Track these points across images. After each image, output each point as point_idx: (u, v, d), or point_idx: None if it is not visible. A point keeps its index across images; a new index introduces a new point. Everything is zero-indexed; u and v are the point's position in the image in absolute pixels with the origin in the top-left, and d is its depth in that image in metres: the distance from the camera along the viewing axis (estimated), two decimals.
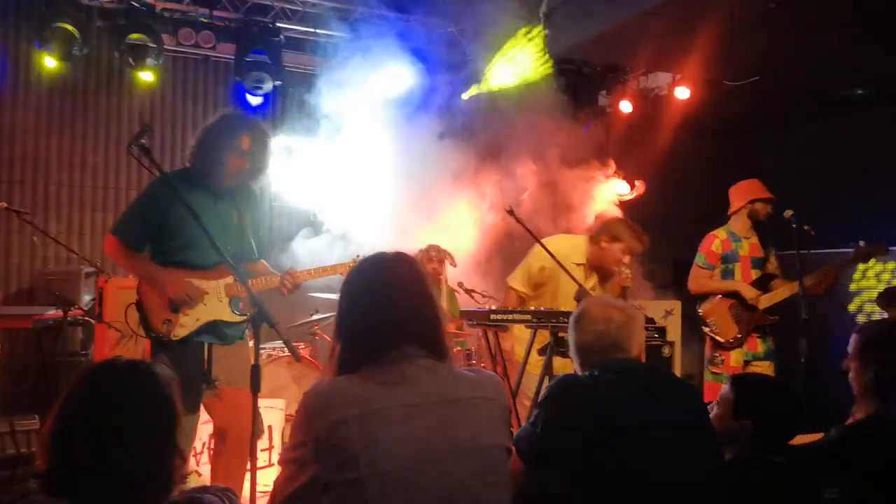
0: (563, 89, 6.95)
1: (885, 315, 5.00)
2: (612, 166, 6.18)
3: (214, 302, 3.30)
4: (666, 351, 3.84)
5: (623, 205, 6.21)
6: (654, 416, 2.11)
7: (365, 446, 1.65)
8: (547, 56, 6.21)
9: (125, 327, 3.46)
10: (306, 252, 6.09)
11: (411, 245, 5.36)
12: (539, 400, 2.27)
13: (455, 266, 5.42)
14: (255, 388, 2.52)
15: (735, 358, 4.68)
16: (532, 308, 3.94)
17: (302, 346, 5.56)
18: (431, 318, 1.87)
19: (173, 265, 3.27)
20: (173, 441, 1.64)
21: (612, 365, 2.24)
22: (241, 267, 3.39)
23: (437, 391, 1.77)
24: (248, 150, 3.32)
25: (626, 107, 7.58)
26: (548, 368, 3.68)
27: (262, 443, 4.55)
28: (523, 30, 6.28)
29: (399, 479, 1.66)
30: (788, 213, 4.53)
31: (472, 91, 6.95)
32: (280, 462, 1.83)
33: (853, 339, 2.65)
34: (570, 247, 4.33)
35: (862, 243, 4.57)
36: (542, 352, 3.80)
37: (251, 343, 3.12)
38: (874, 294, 5.70)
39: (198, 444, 4.35)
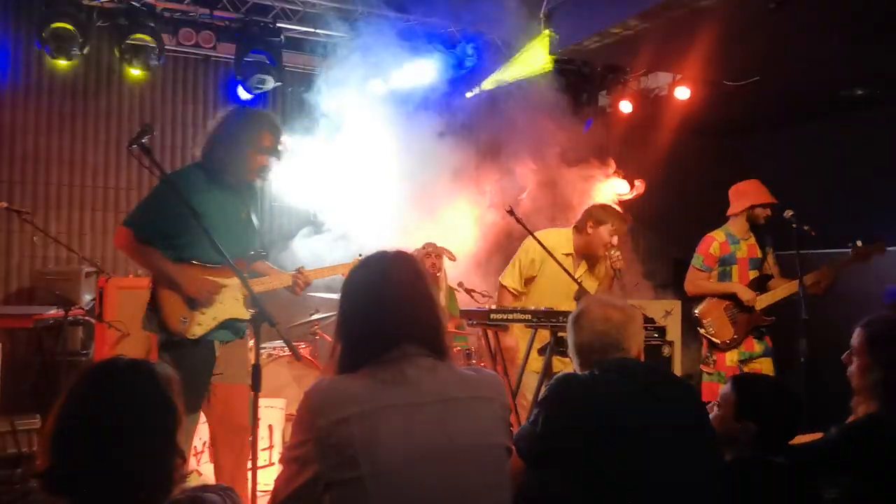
0: (563, 89, 6.95)
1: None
2: (612, 166, 6.18)
3: (231, 300, 3.25)
4: (666, 351, 3.84)
5: (623, 204, 6.20)
6: (654, 416, 2.11)
7: (366, 445, 1.66)
8: (547, 56, 6.20)
9: (125, 327, 3.45)
10: (307, 252, 6.07)
11: (412, 244, 5.36)
12: (539, 399, 2.27)
13: (454, 260, 5.42)
14: (256, 388, 2.53)
15: (730, 357, 4.66)
16: (532, 308, 3.94)
17: (302, 345, 5.56)
18: (432, 317, 1.87)
19: (186, 261, 3.19)
20: (174, 441, 1.64)
21: (612, 364, 2.24)
22: (259, 262, 3.41)
23: (437, 390, 1.77)
24: (269, 147, 3.30)
25: (626, 107, 7.59)
26: (547, 368, 3.68)
27: (262, 442, 4.55)
28: (524, 30, 6.28)
29: (400, 477, 1.66)
30: (788, 213, 4.51)
31: (474, 90, 6.96)
32: (281, 461, 1.84)
33: (857, 332, 2.62)
34: (557, 238, 4.39)
35: (858, 243, 4.56)
36: (541, 351, 3.80)
37: (251, 342, 3.13)
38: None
39: (198, 444, 4.36)
